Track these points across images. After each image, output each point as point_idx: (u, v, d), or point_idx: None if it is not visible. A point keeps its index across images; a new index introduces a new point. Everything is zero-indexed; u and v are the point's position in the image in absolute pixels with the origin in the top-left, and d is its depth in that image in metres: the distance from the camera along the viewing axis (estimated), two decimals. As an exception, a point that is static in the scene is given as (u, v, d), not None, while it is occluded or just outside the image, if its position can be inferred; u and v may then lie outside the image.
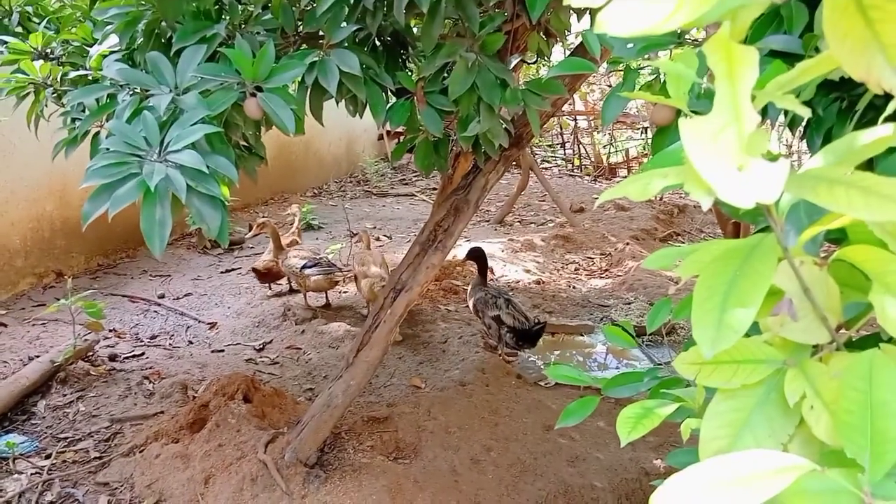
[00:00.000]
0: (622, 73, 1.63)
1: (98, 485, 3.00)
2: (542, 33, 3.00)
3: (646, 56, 1.55)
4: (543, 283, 5.69)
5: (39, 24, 3.19)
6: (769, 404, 0.92)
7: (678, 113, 1.62)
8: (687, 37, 1.61)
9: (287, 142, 8.70)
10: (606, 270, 6.15)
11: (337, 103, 2.59)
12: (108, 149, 1.82)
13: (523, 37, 2.97)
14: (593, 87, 10.40)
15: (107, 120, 2.40)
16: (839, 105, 1.38)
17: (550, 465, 3.26)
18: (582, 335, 4.66)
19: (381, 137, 10.78)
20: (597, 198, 8.49)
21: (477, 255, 4.46)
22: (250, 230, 6.92)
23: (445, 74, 2.40)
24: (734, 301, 0.81)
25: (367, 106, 2.31)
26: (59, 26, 3.17)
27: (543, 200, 8.46)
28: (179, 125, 1.82)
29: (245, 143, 2.68)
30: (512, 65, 2.60)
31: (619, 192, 0.84)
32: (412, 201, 8.94)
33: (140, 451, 3.11)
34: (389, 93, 2.56)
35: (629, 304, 5.03)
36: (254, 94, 1.96)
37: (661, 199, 8.36)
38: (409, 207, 8.60)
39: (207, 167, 1.78)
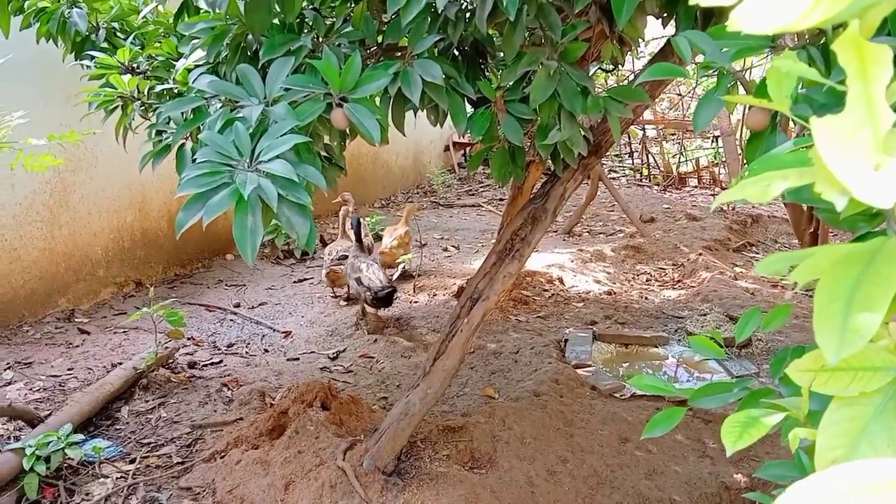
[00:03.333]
0: (715, 77, 1.60)
1: (181, 489, 3.07)
2: (615, 41, 2.99)
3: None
4: (615, 293, 5.63)
5: (125, 39, 3.30)
6: (888, 413, 0.89)
7: (773, 117, 1.59)
8: (780, 42, 1.58)
9: (356, 153, 8.81)
10: (679, 281, 6.05)
11: (415, 114, 2.62)
12: (201, 159, 1.87)
13: (597, 45, 2.95)
14: (662, 95, 10.27)
15: (194, 132, 2.47)
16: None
17: (627, 477, 3.22)
18: (656, 346, 4.59)
19: (447, 149, 10.84)
20: (667, 207, 8.41)
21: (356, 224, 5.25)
22: (321, 241, 7.06)
23: (525, 83, 2.40)
24: (859, 306, 0.79)
25: (448, 115, 2.33)
26: (144, 42, 3.28)
27: (612, 211, 8.38)
28: (270, 135, 1.86)
29: (326, 155, 2.72)
30: (591, 73, 2.59)
31: (735, 195, 0.83)
32: (479, 212, 8.95)
33: (221, 457, 3.17)
34: (468, 103, 2.58)
35: (704, 315, 4.93)
36: (340, 105, 2.00)
37: (733, 208, 8.18)
38: (476, 218, 8.61)
39: (297, 176, 1.82)
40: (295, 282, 6.16)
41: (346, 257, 5.21)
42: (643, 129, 10.32)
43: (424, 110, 2.39)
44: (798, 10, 0.61)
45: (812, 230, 5.16)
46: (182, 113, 2.30)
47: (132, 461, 3.29)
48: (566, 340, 4.57)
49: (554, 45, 2.27)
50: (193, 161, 1.93)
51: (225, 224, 6.62)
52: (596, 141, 2.73)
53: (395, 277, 5.87)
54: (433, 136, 10.26)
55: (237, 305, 5.52)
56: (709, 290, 5.52)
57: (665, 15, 2.37)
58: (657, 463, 3.33)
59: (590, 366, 4.22)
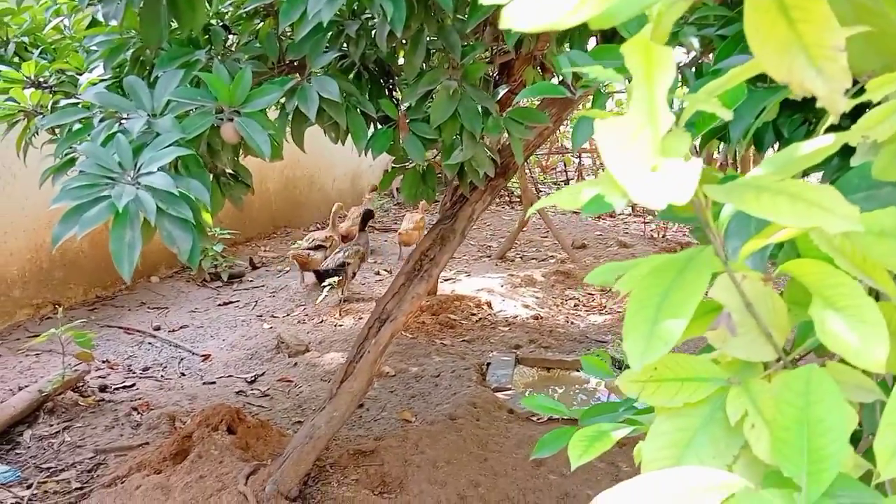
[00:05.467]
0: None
1: (77, 516, 2.96)
2: (537, 67, 3.02)
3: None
4: (541, 318, 5.64)
5: (36, 53, 3.21)
6: (714, 424, 0.89)
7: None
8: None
9: (291, 176, 8.75)
10: (605, 307, 6.10)
11: (327, 133, 2.59)
12: (79, 171, 1.81)
13: (520, 70, 2.98)
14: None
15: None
16: (806, 128, 1.36)
17: (539, 502, 3.20)
18: (578, 370, 4.60)
19: (386, 173, 10.82)
20: (600, 234, 8.51)
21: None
22: (251, 265, 6.98)
23: (427, 103, 2.40)
24: (666, 313, 0.78)
25: (349, 134, 2.31)
26: (55, 56, 3.20)
27: (546, 237, 8.44)
28: (153, 148, 1.82)
29: (232, 172, 2.67)
30: (499, 96, 2.60)
31: (550, 201, 0.82)
32: (383, 243, 8.93)
33: (121, 483, 3.06)
34: (377, 124, 2.56)
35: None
36: (231, 120, 1.96)
37: (663, 236, 8.33)
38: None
39: (178, 190, 1.77)
40: (220, 305, 6.04)
41: (321, 247, 5.79)
42: (579, 158, 10.46)
43: (324, 128, 2.36)
44: (566, 7, 0.60)
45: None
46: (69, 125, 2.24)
47: (28, 486, 3.16)
48: (488, 364, 4.56)
49: (456, 65, 2.27)
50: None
51: (149, 246, 6.43)
52: (503, 163, 2.74)
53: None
54: (370, 160, 10.23)
55: (157, 328, 5.39)
56: (633, 315, 5.57)
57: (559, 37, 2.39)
58: (570, 487, 3.31)
59: (509, 389, 4.21)
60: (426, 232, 3.18)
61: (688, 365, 0.91)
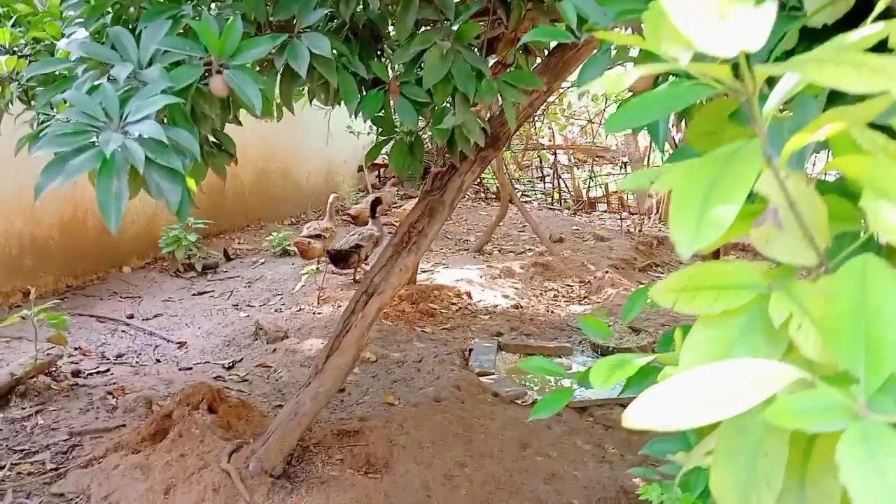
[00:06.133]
0: (595, 98, 1.58)
1: (53, 496, 2.85)
2: (521, 50, 2.98)
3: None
4: (522, 307, 5.61)
5: (9, 24, 3.12)
6: (753, 333, 0.85)
7: (655, 81, 1.57)
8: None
9: (264, 169, 8.64)
10: (585, 297, 6.09)
11: (310, 99, 2.54)
12: (64, 119, 1.74)
13: (503, 51, 2.94)
14: (573, 121, 10.44)
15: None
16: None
17: (526, 482, 3.16)
18: (560, 356, 4.57)
19: (361, 169, 10.74)
20: (576, 229, 8.50)
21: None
22: (225, 256, 6.87)
23: (419, 66, 2.35)
24: (716, 199, 0.74)
25: (340, 94, 2.25)
26: (28, 28, 3.10)
27: (523, 231, 8.42)
28: (140, 96, 1.75)
29: (216, 141, 2.61)
30: (489, 63, 2.56)
31: (592, 84, 0.78)
32: (391, 230, 8.86)
33: (98, 463, 2.97)
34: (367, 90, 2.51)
35: (609, 326, 4.95)
36: (219, 72, 1.90)
37: (640, 230, 8.35)
38: (388, 237, 8.53)
39: (168, 139, 1.71)
40: (194, 294, 5.94)
41: (320, 236, 5.81)
42: (555, 154, 10.46)
43: (314, 90, 2.30)
44: None
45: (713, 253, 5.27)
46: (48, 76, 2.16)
47: (2, 468, 3.05)
48: (471, 350, 4.52)
49: (448, 25, 2.23)
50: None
51: (121, 236, 6.36)
52: (494, 133, 2.69)
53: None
54: (346, 154, 10.15)
55: (130, 316, 5.27)
56: (613, 304, 5.57)
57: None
58: (557, 468, 3.28)
59: (493, 374, 4.16)
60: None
61: (726, 272, 0.87)
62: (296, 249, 6.07)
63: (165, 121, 1.88)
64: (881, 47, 0.72)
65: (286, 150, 8.97)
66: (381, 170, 10.81)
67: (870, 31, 0.76)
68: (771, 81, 0.79)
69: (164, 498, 2.70)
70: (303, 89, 2.82)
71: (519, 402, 3.83)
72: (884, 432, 0.64)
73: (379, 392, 3.96)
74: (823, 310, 0.75)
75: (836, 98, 1.06)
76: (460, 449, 3.29)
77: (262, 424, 3.24)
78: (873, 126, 0.78)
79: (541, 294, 6.13)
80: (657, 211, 8.89)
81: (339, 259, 5.67)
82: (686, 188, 0.77)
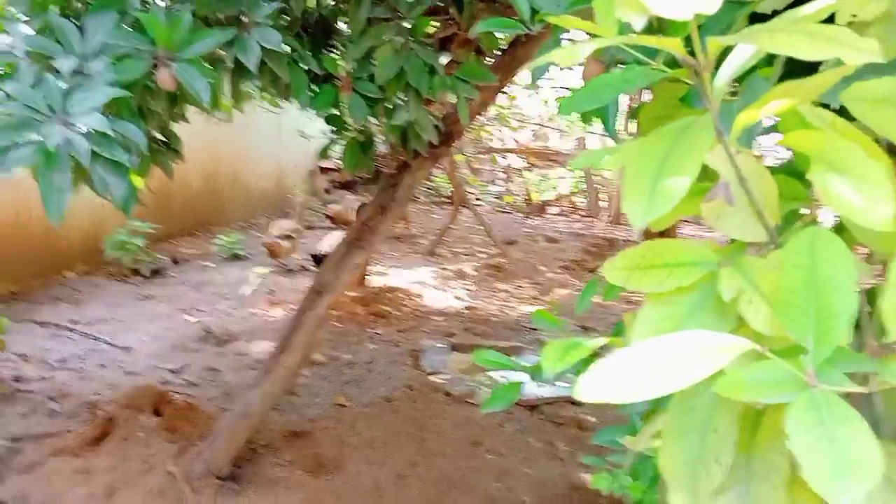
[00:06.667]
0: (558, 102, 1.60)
1: (-9, 503, 2.77)
2: (474, 51, 2.99)
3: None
4: (474, 308, 5.63)
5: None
6: (702, 310, 0.86)
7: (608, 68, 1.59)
8: None
9: (213, 173, 8.52)
10: (536, 298, 6.13)
11: (260, 93, 2.51)
12: (5, 112, 1.69)
13: (456, 51, 2.94)
14: (524, 125, 10.53)
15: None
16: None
17: (478, 480, 3.16)
18: (511, 356, 4.58)
19: (312, 174, 10.67)
20: (528, 231, 8.57)
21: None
22: (173, 260, 6.76)
23: (372, 63, 2.34)
24: (668, 171, 0.75)
25: (291, 90, 2.23)
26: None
27: (474, 234, 8.46)
28: (85, 89, 1.71)
29: (164, 139, 2.56)
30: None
31: (545, 59, 0.79)
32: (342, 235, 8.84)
33: (40, 468, 2.89)
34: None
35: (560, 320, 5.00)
36: (167, 65, 1.87)
37: (591, 232, 8.45)
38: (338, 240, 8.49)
39: (114, 132, 1.67)
40: (140, 299, 5.81)
41: (290, 237, 6.25)
42: (505, 158, 10.54)
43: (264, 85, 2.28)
44: None
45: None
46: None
47: (-62, 475, 2.95)
48: (423, 351, 4.51)
49: (401, 21, 2.22)
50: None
51: (66, 241, 6.22)
52: (446, 130, 2.70)
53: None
54: (297, 157, 10.06)
55: (74, 321, 5.14)
56: (565, 304, 5.62)
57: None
58: (508, 465, 3.29)
59: (445, 374, 4.16)
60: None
61: (677, 249, 0.88)
62: (266, 249, 6.42)
63: (112, 115, 1.84)
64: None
65: (235, 153, 8.86)
66: (332, 173, 10.75)
67: (823, 3, 0.77)
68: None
69: (105, 502, 2.63)
70: (253, 90, 2.80)
71: (471, 401, 3.84)
72: (834, 401, 0.65)
73: (329, 394, 3.93)
74: (774, 283, 0.76)
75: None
76: (412, 448, 3.28)
77: (210, 427, 3.18)
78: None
79: (493, 295, 6.16)
80: (608, 213, 9.02)
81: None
82: (639, 162, 0.78)
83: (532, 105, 10.13)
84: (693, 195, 0.86)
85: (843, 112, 0.79)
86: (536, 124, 10.36)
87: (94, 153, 1.65)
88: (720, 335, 0.70)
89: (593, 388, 0.70)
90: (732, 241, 0.87)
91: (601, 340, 1.10)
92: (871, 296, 0.82)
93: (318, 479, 2.95)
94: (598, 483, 1.83)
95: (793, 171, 0.96)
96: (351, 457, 3.11)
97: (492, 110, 9.92)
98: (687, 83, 1.02)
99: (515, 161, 10.80)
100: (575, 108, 1.02)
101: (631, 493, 1.73)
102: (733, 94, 1.06)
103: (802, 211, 0.95)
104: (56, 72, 1.79)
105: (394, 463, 3.13)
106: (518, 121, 10.30)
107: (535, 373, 1.89)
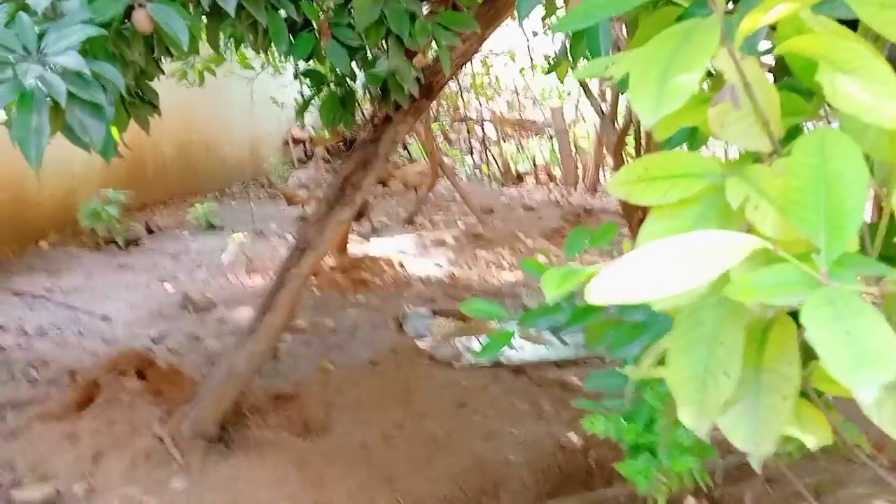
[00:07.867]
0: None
1: (-27, 470, 2.72)
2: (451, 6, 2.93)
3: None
4: (455, 276, 5.61)
5: None
6: (708, 221, 0.83)
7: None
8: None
9: (186, 141, 8.38)
10: (517, 266, 6.12)
11: (236, 43, 2.44)
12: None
13: (433, 5, 2.89)
14: (499, 94, 10.47)
15: None
16: None
17: (464, 440, 3.15)
18: (495, 322, 4.58)
19: (286, 143, 10.55)
20: (506, 200, 8.54)
21: None
22: (147, 229, 6.66)
23: (351, 10, 2.28)
24: (677, 68, 0.72)
25: (269, 36, 2.17)
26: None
27: (452, 202, 8.41)
28: (59, 26, 1.65)
29: (138, 92, 2.48)
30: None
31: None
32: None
33: (23, 434, 2.84)
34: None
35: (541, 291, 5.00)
36: (142, 5, 1.80)
37: (568, 201, 8.44)
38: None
39: (91, 72, 1.61)
40: (116, 268, 5.73)
41: (304, 186, 6.55)
42: (482, 127, 10.49)
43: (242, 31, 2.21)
44: None
45: (641, 217, 5.35)
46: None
47: (-82, 445, 2.89)
48: (405, 316, 4.49)
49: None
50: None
51: (38, 210, 6.12)
52: (427, 82, 2.64)
53: None
54: (271, 128, 9.92)
55: (49, 290, 5.05)
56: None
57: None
58: (494, 426, 3.29)
59: (428, 338, 4.15)
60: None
61: (681, 162, 0.86)
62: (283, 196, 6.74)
63: (86, 56, 1.78)
64: None
65: (208, 122, 8.71)
66: (304, 144, 10.62)
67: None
68: None
69: (93, 465, 2.59)
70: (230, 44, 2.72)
71: (455, 363, 3.83)
72: (850, 296, 0.64)
73: (314, 359, 3.89)
74: (781, 188, 0.74)
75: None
76: (399, 410, 3.26)
77: (195, 391, 3.14)
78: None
79: (474, 263, 6.13)
80: (583, 181, 9.02)
81: None
82: (647, 60, 0.75)
83: (507, 74, 10.07)
84: (698, 103, 0.84)
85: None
86: (512, 92, 10.30)
87: (71, 94, 1.59)
88: (731, 234, 0.68)
89: (604, 289, 0.68)
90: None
91: (599, 266, 1.07)
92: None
93: (305, 440, 2.93)
94: (591, 426, 1.82)
95: (793, 87, 0.94)
96: (338, 419, 3.08)
97: (467, 79, 9.86)
98: (679, 4, 0.99)
99: (491, 131, 10.74)
100: (568, 27, 0.99)
101: (626, 435, 1.72)
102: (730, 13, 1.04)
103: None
104: (30, 10, 1.72)
105: (380, 424, 3.12)
106: (494, 90, 10.24)
107: (525, 320, 1.86)
